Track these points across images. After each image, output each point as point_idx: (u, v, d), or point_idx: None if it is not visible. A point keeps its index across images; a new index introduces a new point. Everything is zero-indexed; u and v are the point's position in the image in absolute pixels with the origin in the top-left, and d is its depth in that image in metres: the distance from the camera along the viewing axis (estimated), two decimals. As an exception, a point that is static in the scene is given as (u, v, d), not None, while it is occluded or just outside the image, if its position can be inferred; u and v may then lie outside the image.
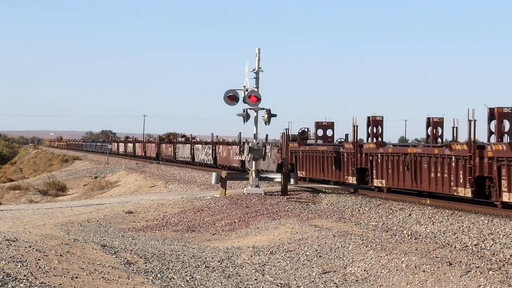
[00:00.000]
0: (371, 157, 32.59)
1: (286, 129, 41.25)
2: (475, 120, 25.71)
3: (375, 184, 32.11)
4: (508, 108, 26.02)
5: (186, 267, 16.35)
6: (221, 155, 56.90)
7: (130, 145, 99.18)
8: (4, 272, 12.33)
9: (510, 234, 19.79)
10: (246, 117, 33.35)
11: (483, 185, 25.16)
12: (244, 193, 32.08)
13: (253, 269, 17.08)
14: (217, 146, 59.33)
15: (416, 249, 18.07)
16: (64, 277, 12.89)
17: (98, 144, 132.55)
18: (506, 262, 16.29)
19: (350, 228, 22.31)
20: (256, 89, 33.24)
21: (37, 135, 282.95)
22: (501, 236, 19.67)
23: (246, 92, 33.10)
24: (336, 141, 40.23)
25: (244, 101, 33.15)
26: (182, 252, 18.68)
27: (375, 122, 34.40)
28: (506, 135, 25.97)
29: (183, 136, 76.84)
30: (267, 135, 48.71)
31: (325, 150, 37.02)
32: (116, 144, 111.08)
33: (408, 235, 20.81)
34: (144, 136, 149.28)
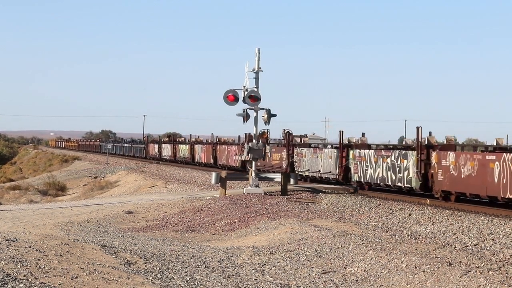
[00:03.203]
0: None
1: None
2: None
3: None
4: None
5: (186, 267, 16.35)
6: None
7: (183, 147, 68.50)
8: (4, 272, 12.32)
9: (510, 234, 19.80)
10: (246, 117, 33.38)
11: None
12: (244, 193, 32.09)
13: (253, 269, 17.08)
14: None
15: (416, 249, 18.06)
16: (64, 277, 12.89)
17: (126, 145, 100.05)
18: (506, 262, 16.29)
19: (350, 228, 22.31)
20: (256, 89, 33.26)
21: (37, 135, 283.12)
22: (501, 236, 19.67)
23: (246, 92, 33.12)
24: None
25: (244, 101, 33.17)
26: (182, 252, 18.67)
27: None
28: None
29: (289, 133, 43.72)
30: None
31: None
32: (155, 145, 79.84)
33: (408, 235, 20.81)
34: (143, 136, 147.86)
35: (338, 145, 35.91)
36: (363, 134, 35.63)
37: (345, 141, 35.72)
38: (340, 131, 35.46)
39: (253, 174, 33.10)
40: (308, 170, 38.62)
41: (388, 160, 31.10)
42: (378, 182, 31.71)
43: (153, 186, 46.98)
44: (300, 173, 39.18)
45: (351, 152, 34.40)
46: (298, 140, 44.07)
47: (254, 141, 33.97)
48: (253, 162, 33.66)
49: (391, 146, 35.31)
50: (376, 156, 32.13)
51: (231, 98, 33.07)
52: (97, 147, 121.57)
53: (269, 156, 44.42)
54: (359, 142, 34.89)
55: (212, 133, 59.79)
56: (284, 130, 44.03)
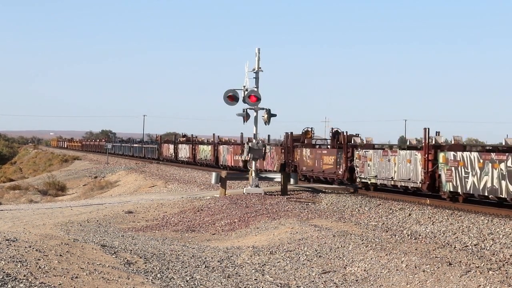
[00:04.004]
0: None
1: None
2: None
3: None
4: None
5: (186, 267, 16.35)
6: None
7: (204, 148, 61.96)
8: (4, 272, 12.32)
9: (510, 234, 19.80)
10: (246, 117, 33.38)
11: None
12: (244, 193, 32.10)
13: (253, 269, 17.07)
14: None
15: (416, 249, 18.06)
16: (64, 277, 12.89)
17: (135, 145, 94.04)
18: (506, 262, 16.29)
19: (350, 228, 22.30)
20: (256, 89, 33.26)
21: (37, 135, 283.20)
22: (501, 236, 19.67)
23: (246, 92, 33.12)
24: None
25: (244, 101, 33.18)
26: (182, 252, 18.67)
27: None
28: None
29: (338, 132, 38.10)
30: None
31: None
32: (170, 146, 73.72)
33: (408, 235, 20.80)
34: (143, 136, 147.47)
35: (421, 146, 28.85)
36: (437, 133, 28.86)
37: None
38: (425, 129, 28.01)
39: (253, 174, 33.10)
40: (376, 176, 31.92)
41: (502, 165, 23.53)
42: (486, 194, 24.43)
43: (153, 186, 46.97)
44: (363, 180, 33.06)
45: (441, 154, 27.13)
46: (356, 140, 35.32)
47: (254, 140, 33.97)
48: (253, 162, 33.66)
49: (490, 148, 27.02)
50: (481, 161, 24.61)
51: (231, 98, 33.09)
52: (102, 148, 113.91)
53: (309, 159, 39.32)
54: (452, 143, 27.90)
55: (242, 133, 54.28)
56: (332, 129, 38.66)
